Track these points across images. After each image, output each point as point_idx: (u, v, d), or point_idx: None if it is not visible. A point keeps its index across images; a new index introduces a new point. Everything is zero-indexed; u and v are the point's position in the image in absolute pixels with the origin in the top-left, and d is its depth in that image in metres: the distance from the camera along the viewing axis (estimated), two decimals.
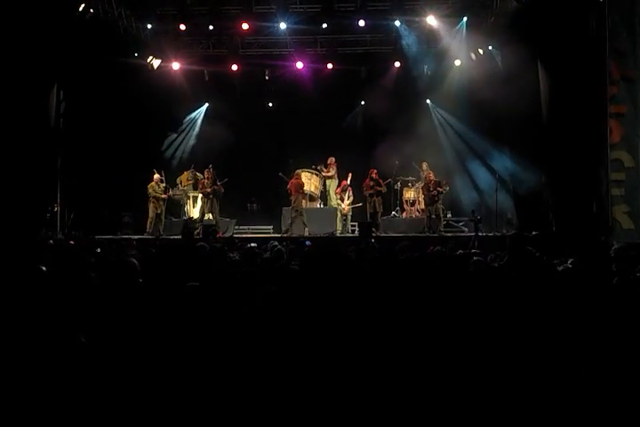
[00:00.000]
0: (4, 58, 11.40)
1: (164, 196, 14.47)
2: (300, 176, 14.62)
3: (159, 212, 14.36)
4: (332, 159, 15.82)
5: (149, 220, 14.31)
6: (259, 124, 16.97)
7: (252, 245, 9.10)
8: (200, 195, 15.04)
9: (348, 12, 15.00)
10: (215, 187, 14.27)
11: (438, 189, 14.10)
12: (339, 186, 15.77)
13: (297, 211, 14.17)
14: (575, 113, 11.55)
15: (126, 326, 3.33)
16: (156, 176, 14.47)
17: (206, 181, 14.38)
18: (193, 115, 17.94)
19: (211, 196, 14.29)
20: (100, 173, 14.99)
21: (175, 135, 17.75)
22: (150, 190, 14.33)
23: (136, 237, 13.33)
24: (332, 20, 14.94)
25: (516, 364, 2.94)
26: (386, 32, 15.72)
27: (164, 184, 14.61)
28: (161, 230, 14.38)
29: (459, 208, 15.88)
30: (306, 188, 15.23)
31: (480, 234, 11.79)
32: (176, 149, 17.72)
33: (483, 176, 15.42)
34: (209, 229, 13.11)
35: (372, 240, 10.58)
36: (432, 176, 14.41)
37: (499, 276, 4.68)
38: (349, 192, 15.55)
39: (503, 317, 3.41)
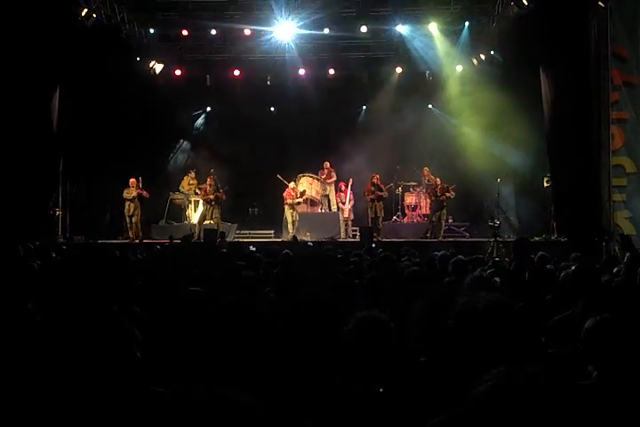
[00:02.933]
0: (7, 62, 11.43)
1: (133, 194, 14.02)
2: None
3: (130, 214, 14.04)
4: (327, 164, 15.86)
5: (126, 224, 14.16)
6: (260, 129, 16.99)
7: (252, 248, 9.11)
8: (201, 200, 15.07)
9: (350, 17, 15.03)
10: (218, 194, 14.23)
11: (446, 194, 14.07)
12: (337, 190, 15.82)
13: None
14: (577, 119, 11.56)
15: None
16: (132, 180, 14.11)
17: (209, 187, 14.32)
18: (194, 119, 17.96)
19: (213, 202, 14.25)
20: (102, 177, 15.00)
21: (176, 140, 17.78)
22: (124, 193, 14.11)
23: (136, 241, 13.34)
24: (335, 25, 14.96)
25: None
26: (388, 37, 15.73)
27: (140, 188, 14.16)
28: (137, 233, 14.07)
29: (460, 213, 15.87)
30: (307, 193, 15.32)
31: (499, 239, 11.63)
32: (177, 154, 17.75)
33: (485, 181, 15.40)
34: (215, 233, 13.07)
35: (373, 245, 10.55)
36: (439, 181, 14.39)
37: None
38: (349, 191, 15.56)
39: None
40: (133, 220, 14.08)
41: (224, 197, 14.42)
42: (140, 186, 14.16)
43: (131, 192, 14.06)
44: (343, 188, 15.69)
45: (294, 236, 13.57)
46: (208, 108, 17.94)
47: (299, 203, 14.92)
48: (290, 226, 14.67)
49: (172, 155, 17.74)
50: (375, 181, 14.59)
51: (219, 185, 14.45)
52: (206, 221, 14.45)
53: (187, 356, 2.90)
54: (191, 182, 15.96)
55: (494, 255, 9.76)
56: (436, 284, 4.60)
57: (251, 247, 9.58)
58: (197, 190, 15.29)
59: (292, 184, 15.14)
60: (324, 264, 5.85)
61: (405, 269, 5.11)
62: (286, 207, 14.87)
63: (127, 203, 14.07)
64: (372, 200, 14.45)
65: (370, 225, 14.17)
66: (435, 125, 16.92)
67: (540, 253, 6.29)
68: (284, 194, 15.00)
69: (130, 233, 14.09)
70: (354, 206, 15.74)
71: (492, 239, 11.53)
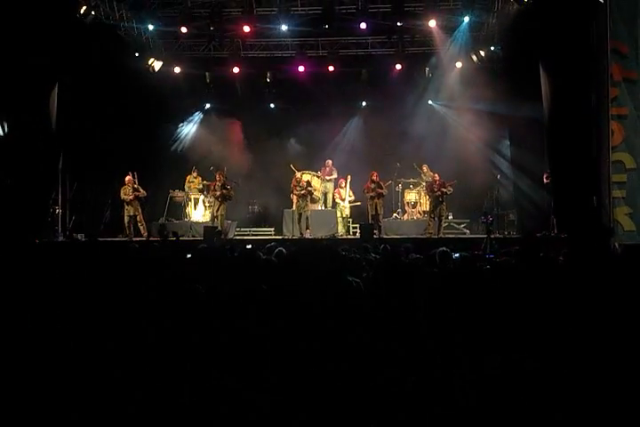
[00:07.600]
0: (6, 59, 11.41)
1: (130, 197, 13.79)
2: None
3: (131, 214, 13.83)
4: (329, 161, 15.91)
5: (125, 223, 13.89)
6: (260, 126, 16.98)
7: (248, 247, 9.09)
8: (202, 197, 15.05)
9: (350, 14, 15.01)
10: (224, 191, 14.14)
11: (442, 189, 14.04)
12: (335, 185, 15.83)
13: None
14: (576, 115, 11.52)
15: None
16: (128, 178, 13.90)
17: (218, 183, 14.21)
18: (194, 117, 17.94)
19: (219, 199, 14.17)
20: (102, 175, 15.00)
21: (176, 137, 17.77)
22: (121, 194, 13.88)
23: (137, 239, 13.32)
24: (334, 22, 14.93)
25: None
26: (387, 34, 15.70)
27: (136, 185, 13.90)
28: (141, 231, 13.98)
29: (460, 210, 15.86)
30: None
31: (492, 236, 11.60)
32: (177, 151, 17.74)
33: (484, 177, 15.40)
34: (213, 230, 13.07)
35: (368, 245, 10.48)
36: (437, 177, 14.37)
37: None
38: (347, 188, 15.54)
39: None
40: (138, 219, 13.94)
41: (232, 193, 14.29)
42: (136, 182, 13.90)
43: (128, 193, 13.77)
44: (343, 184, 15.67)
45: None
46: (207, 105, 17.92)
47: (304, 194, 14.41)
48: (295, 223, 14.29)
49: (171, 152, 17.71)
50: (375, 178, 14.56)
51: (227, 182, 14.26)
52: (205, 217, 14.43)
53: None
54: (191, 180, 15.96)
55: (487, 252, 9.72)
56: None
57: (247, 246, 9.53)
58: (200, 186, 15.41)
59: (298, 174, 15.11)
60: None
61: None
62: (294, 199, 14.52)
63: (126, 205, 13.81)
64: (372, 197, 14.42)
65: (370, 222, 14.14)
66: (434, 122, 16.88)
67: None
68: (292, 185, 14.82)
69: (128, 231, 13.88)
70: (353, 199, 15.72)
71: (484, 236, 11.53)
